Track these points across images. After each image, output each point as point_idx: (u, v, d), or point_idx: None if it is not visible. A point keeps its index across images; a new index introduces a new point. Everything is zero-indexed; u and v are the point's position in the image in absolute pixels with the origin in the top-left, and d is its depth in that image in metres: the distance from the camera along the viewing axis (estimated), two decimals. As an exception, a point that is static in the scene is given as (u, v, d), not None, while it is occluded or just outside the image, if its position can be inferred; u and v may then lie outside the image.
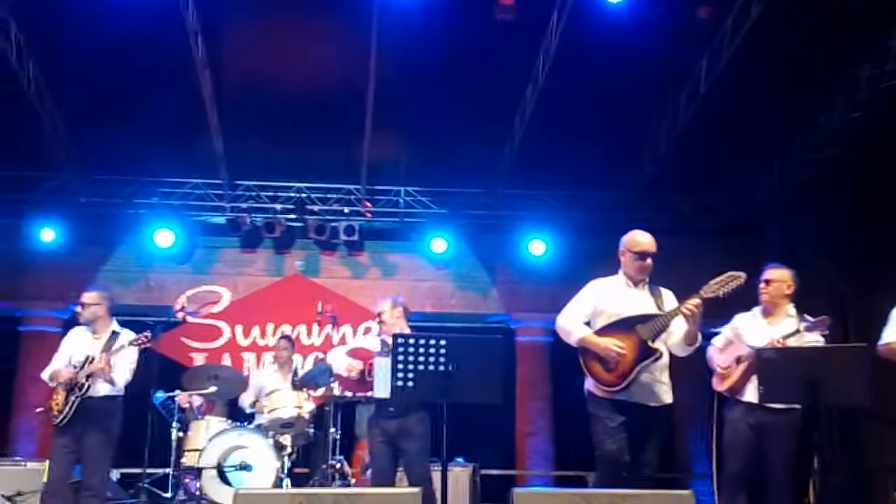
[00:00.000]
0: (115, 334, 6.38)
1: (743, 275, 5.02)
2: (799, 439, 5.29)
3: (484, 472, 8.45)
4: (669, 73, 8.87)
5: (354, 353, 6.03)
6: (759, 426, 5.26)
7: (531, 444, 11.05)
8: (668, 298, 5.21)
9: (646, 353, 4.98)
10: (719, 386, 5.54)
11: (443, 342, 4.58)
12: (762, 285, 5.48)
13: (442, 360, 4.55)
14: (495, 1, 7.79)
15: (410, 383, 4.58)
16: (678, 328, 5.05)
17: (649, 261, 5.14)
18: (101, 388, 6.17)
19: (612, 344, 4.97)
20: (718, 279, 4.96)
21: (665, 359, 5.14)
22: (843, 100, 8.79)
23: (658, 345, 5.02)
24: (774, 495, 5.27)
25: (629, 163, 10.41)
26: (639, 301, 5.14)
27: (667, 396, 5.16)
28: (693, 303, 4.88)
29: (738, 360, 5.41)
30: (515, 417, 11.10)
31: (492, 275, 11.39)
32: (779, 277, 5.50)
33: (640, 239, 5.20)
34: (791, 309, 5.51)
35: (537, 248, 10.94)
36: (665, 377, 5.16)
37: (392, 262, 11.39)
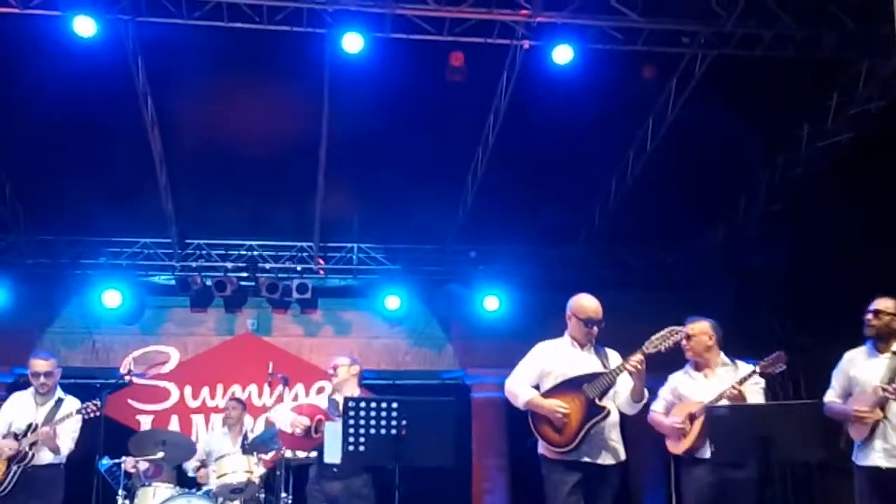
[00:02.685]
0: (59, 401, 6.24)
1: (683, 329, 5.11)
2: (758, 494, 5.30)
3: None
4: (617, 131, 9.03)
5: (300, 410, 5.94)
6: (722, 482, 5.26)
7: (488, 501, 10.94)
8: (614, 358, 5.27)
9: (593, 411, 5.02)
10: (677, 448, 5.49)
11: (394, 405, 4.55)
12: (684, 342, 5.48)
13: (394, 423, 4.52)
14: (446, 62, 7.87)
15: (362, 447, 4.55)
16: (624, 386, 5.12)
17: (595, 328, 5.20)
18: (44, 457, 6.02)
19: (556, 405, 5.00)
20: (659, 335, 5.06)
21: (615, 417, 5.18)
22: (785, 158, 9.03)
23: (606, 403, 5.05)
24: None
25: (580, 219, 10.54)
26: (585, 362, 5.20)
27: (619, 454, 5.18)
28: (636, 359, 4.95)
29: (692, 418, 5.41)
30: (472, 475, 10.99)
31: (446, 331, 11.36)
32: (699, 331, 5.54)
33: (587, 305, 5.25)
34: (723, 357, 5.57)
35: (491, 303, 10.95)
36: (616, 435, 5.20)
37: (346, 319, 11.31)
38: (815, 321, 9.04)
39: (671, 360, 5.47)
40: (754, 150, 9.08)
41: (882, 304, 5.46)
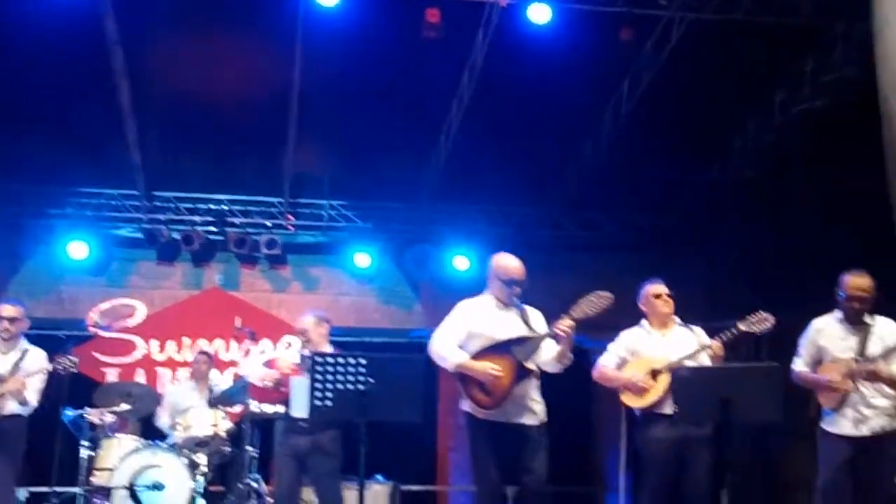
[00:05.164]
0: (25, 352, 6.17)
1: (610, 295, 5.17)
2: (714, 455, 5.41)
3: (405, 488, 8.40)
4: (593, 92, 9.00)
5: (270, 364, 5.96)
6: (683, 439, 5.35)
7: (453, 459, 11.03)
8: (535, 317, 5.35)
9: (522, 373, 5.10)
10: (637, 403, 5.59)
11: (362, 361, 4.56)
12: (667, 299, 5.62)
13: (361, 378, 4.54)
14: (421, 18, 7.78)
15: (329, 402, 4.56)
16: (548, 347, 5.19)
17: (518, 289, 5.24)
18: (9, 407, 5.96)
19: (489, 368, 5.04)
20: (587, 299, 5.13)
21: (536, 378, 5.28)
22: (759, 123, 9.05)
23: (532, 364, 5.11)
24: None
25: (554, 180, 10.52)
26: (511, 323, 5.27)
27: (541, 413, 5.27)
28: (566, 324, 5.04)
29: (655, 374, 5.47)
30: (437, 432, 11.07)
31: (416, 290, 11.35)
32: (662, 291, 5.68)
33: (511, 266, 5.33)
34: (676, 318, 5.70)
35: (462, 263, 10.95)
36: (537, 395, 5.31)
37: (315, 275, 11.25)
38: (779, 287, 9.12)
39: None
40: (728, 116, 9.09)
41: (865, 285, 5.45)
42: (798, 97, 8.44)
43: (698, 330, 5.63)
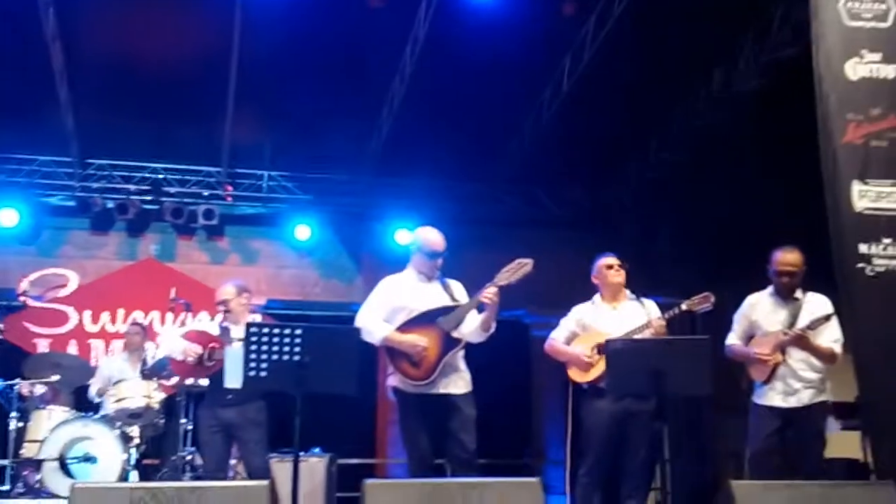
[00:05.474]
0: (-51, 320, 6.00)
1: (530, 261, 5.24)
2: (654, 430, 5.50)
3: (343, 461, 8.37)
4: (536, 67, 8.98)
5: (190, 337, 5.84)
6: (624, 413, 5.42)
7: (392, 432, 11.03)
8: (458, 288, 5.43)
9: (450, 343, 5.17)
10: (582, 377, 5.64)
11: (298, 331, 4.52)
12: (618, 269, 5.70)
13: (297, 349, 4.49)
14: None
15: (263, 373, 4.51)
16: (472, 317, 5.25)
17: (440, 260, 5.31)
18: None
19: (415, 340, 5.09)
20: (508, 267, 5.21)
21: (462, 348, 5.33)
22: (697, 102, 9.14)
23: (457, 334, 5.18)
24: (630, 482, 5.46)
25: (495, 154, 10.52)
26: (434, 295, 5.33)
27: (468, 383, 5.33)
28: (492, 292, 5.13)
29: (600, 349, 5.53)
30: (377, 405, 11.06)
31: (357, 263, 11.29)
32: (615, 263, 5.76)
33: (433, 239, 5.42)
34: (628, 292, 5.77)
35: (403, 237, 10.91)
36: (463, 365, 5.36)
37: (254, 248, 11.12)
38: (716, 264, 9.29)
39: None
40: (668, 94, 9.15)
41: (794, 260, 5.59)
42: (736, 77, 8.52)
43: (649, 303, 5.70)
